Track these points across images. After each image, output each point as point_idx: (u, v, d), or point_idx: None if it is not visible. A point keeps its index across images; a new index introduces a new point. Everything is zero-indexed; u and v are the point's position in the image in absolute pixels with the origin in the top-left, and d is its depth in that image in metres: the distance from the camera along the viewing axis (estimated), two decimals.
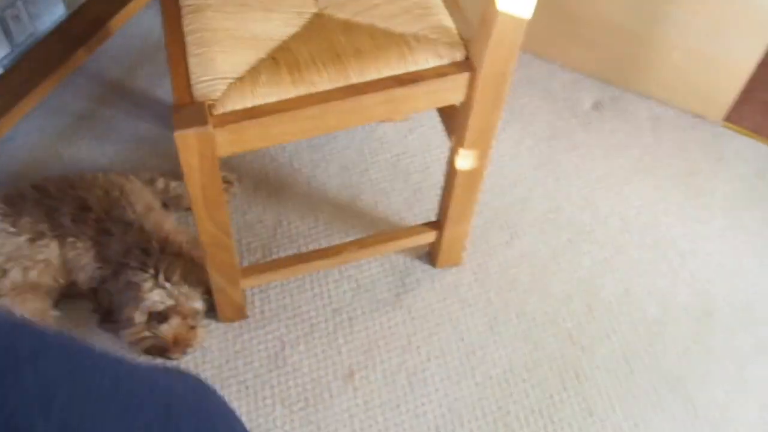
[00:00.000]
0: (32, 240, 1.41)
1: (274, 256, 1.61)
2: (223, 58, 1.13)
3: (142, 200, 1.49)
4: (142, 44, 1.95)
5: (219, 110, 1.10)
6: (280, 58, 1.14)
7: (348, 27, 1.18)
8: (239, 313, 1.51)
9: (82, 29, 1.79)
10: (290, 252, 1.62)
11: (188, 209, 1.62)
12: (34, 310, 1.38)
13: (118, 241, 1.44)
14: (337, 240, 1.64)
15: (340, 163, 1.77)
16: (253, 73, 1.12)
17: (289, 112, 1.12)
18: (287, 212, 1.68)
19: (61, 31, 1.79)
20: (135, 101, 1.85)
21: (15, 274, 1.38)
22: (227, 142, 1.12)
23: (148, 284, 1.39)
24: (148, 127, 1.80)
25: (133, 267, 1.41)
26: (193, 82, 1.12)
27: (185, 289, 1.41)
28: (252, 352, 1.48)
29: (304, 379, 1.45)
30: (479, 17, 1.11)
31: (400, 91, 1.14)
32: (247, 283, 1.45)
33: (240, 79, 1.11)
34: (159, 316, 1.40)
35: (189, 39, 1.17)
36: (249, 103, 1.11)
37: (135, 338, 1.42)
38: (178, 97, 1.12)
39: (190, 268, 1.43)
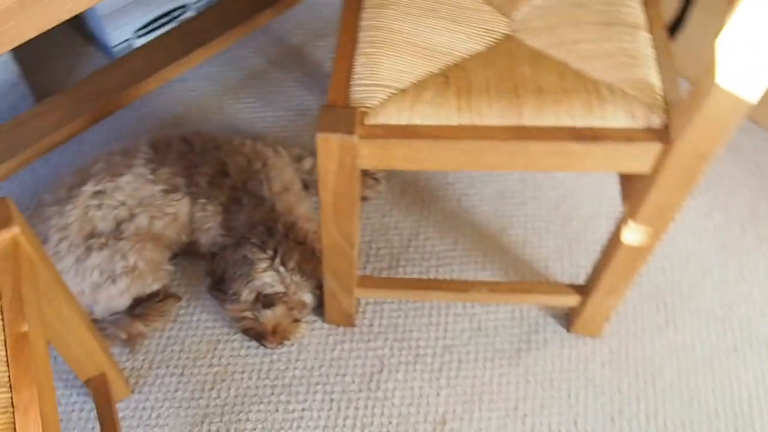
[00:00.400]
0: (166, 192, 1.39)
1: (400, 269, 1.50)
2: (391, 65, 1.01)
3: (281, 179, 1.43)
4: (331, 15, 1.88)
5: (370, 120, 1.00)
6: (452, 78, 1.01)
7: (537, 58, 1.02)
8: (347, 320, 1.42)
9: None
10: (418, 270, 1.50)
11: None
12: (150, 260, 1.36)
13: (247, 214, 1.39)
14: (471, 271, 1.50)
15: (497, 188, 1.62)
16: (419, 87, 1.00)
17: (445, 140, 0.99)
18: (428, 226, 1.56)
19: None
20: (309, 71, 1.79)
21: (141, 221, 1.37)
22: (371, 155, 1.01)
23: (262, 264, 1.33)
24: (313, 101, 1.74)
25: (253, 243, 1.35)
26: (352, 83, 1.02)
27: (298, 278, 1.34)
28: (348, 364, 1.39)
29: (393, 411, 1.34)
30: (691, 81, 0.91)
31: (575, 147, 0.97)
32: (361, 293, 1.35)
33: (402, 92, 1.00)
34: (265, 300, 1.35)
35: (362, 35, 1.06)
36: (405, 120, 1.00)
37: (236, 315, 1.37)
38: (332, 98, 1.03)
39: (309, 258, 1.36)
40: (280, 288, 1.33)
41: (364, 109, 1.00)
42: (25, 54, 1.65)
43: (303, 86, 1.76)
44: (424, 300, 1.45)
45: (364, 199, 1.58)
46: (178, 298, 1.45)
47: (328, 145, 0.99)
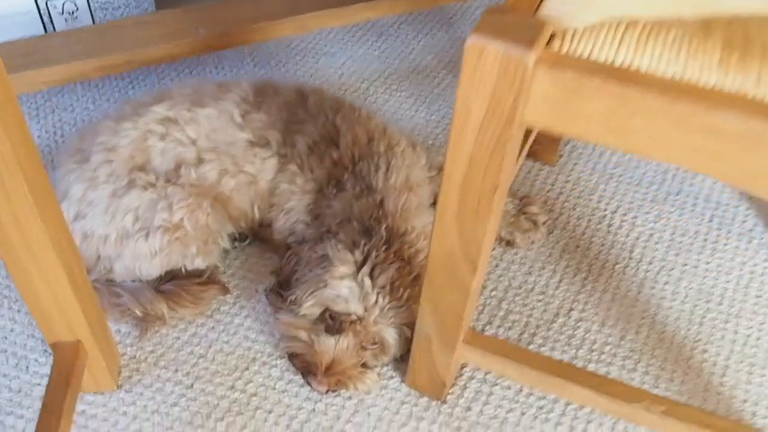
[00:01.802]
0: (252, 144, 1.03)
1: (533, 348, 1.03)
2: None
3: (406, 174, 1.03)
4: None
5: (561, 47, 0.58)
6: (716, 27, 0.58)
7: None
8: (435, 389, 0.97)
9: None
10: (558, 356, 1.02)
11: None
12: (202, 225, 1.00)
13: (344, 202, 1.00)
14: (635, 381, 1.00)
15: (700, 285, 1.12)
16: (657, 24, 0.58)
17: (686, 103, 0.54)
18: (588, 305, 1.09)
19: None
20: None
21: (209, 171, 1.02)
22: (547, 102, 0.59)
23: (343, 268, 0.92)
24: None
25: (340, 240, 0.95)
26: None
27: (386, 304, 0.92)
28: None
29: None
30: None
31: None
32: (467, 355, 0.90)
33: (627, 23, 0.58)
34: (332, 322, 0.94)
35: None
36: (622, 56, 0.57)
37: (287, 331, 0.97)
38: (511, 2, 0.63)
39: (408, 283, 0.93)
40: (357, 308, 0.92)
41: (556, 30, 0.59)
42: None
43: None
44: (558, 395, 0.97)
45: (509, 244, 1.15)
46: (225, 290, 1.06)
47: (483, 61, 0.58)
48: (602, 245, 1.16)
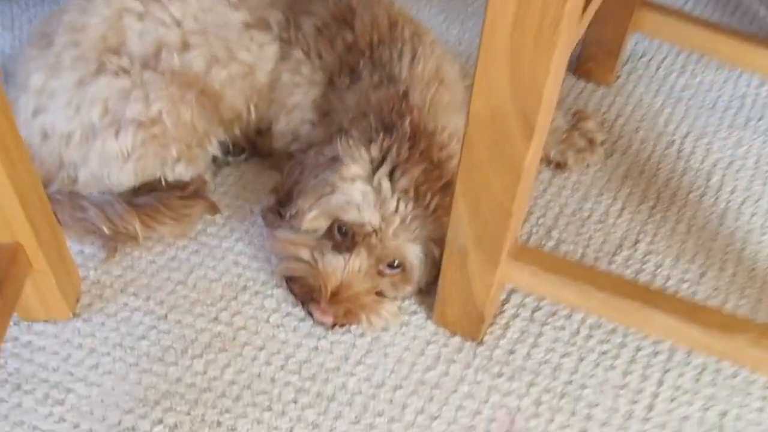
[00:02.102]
0: (248, 26, 0.85)
1: None
2: None
3: (435, 63, 0.83)
4: None
5: None
6: None
7: None
8: (470, 325, 0.76)
9: None
10: None
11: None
12: (186, 123, 0.82)
13: (359, 93, 0.81)
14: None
15: None
16: None
17: None
18: (658, 235, 0.88)
19: None
20: None
21: (195, 58, 0.83)
22: None
23: (355, 168, 0.73)
24: None
25: (352, 137, 0.76)
26: None
27: (409, 215, 0.72)
28: (450, 403, 0.73)
29: None
30: None
31: None
32: (511, 274, 0.70)
33: None
34: (342, 239, 0.74)
35: None
36: None
37: (285, 250, 0.78)
38: None
39: (439, 192, 0.74)
40: (372, 217, 0.72)
41: None
42: None
43: None
44: (632, 325, 0.77)
45: (559, 166, 0.95)
46: (214, 208, 0.88)
47: None
48: (672, 172, 0.96)
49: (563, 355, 0.76)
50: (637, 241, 0.87)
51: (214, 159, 0.90)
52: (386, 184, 0.73)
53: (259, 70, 0.85)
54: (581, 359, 0.76)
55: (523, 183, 0.60)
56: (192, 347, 0.76)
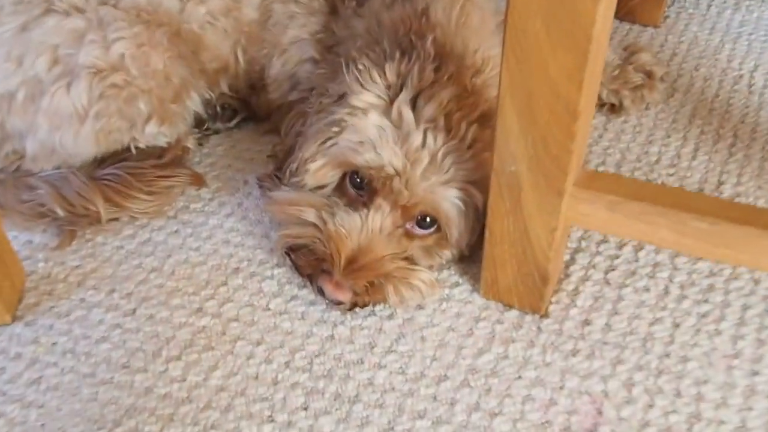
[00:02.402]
0: None
1: None
2: None
3: None
4: None
5: None
6: None
7: None
8: (529, 293, 0.59)
9: None
10: None
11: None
12: (156, 65, 0.66)
13: (369, 16, 0.66)
14: None
15: None
16: None
17: None
18: (741, 176, 0.72)
19: None
20: None
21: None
22: None
23: (368, 97, 0.57)
24: None
25: (363, 64, 0.60)
26: None
27: (441, 150, 0.56)
28: (512, 393, 0.55)
29: None
30: None
31: None
32: (579, 209, 0.53)
33: None
34: (357, 191, 0.59)
35: None
36: None
37: (284, 213, 0.61)
38: None
39: (477, 122, 0.57)
40: (393, 158, 0.56)
41: None
42: None
43: None
44: (746, 264, 0.60)
45: (613, 109, 0.79)
46: (199, 180, 0.71)
47: None
48: (747, 107, 0.80)
49: (652, 323, 0.59)
50: (720, 183, 0.70)
51: (199, 123, 0.75)
52: (408, 114, 0.56)
53: (246, 2, 0.69)
54: (676, 326, 0.59)
55: (593, 62, 0.44)
56: (167, 348, 0.58)
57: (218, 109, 0.75)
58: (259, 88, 0.74)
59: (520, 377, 0.56)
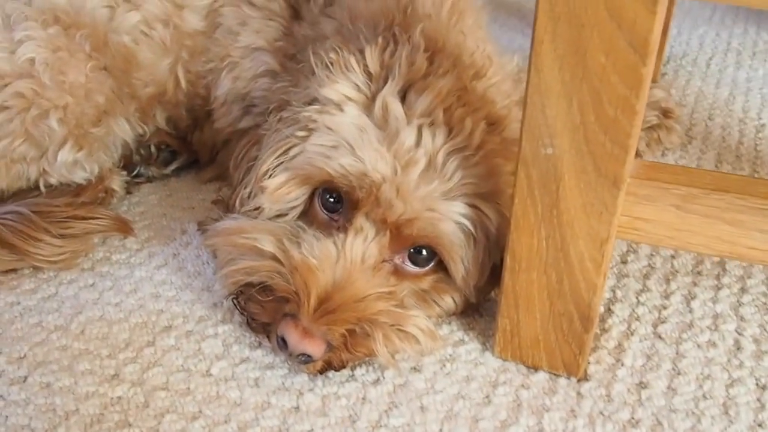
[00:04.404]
0: None
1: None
2: None
3: None
4: None
5: None
6: None
7: None
8: (563, 349, 0.44)
9: None
10: None
11: None
12: (75, 77, 0.52)
13: (342, 12, 0.54)
14: None
15: None
16: None
17: None
18: None
19: None
20: None
21: None
22: None
23: (343, 86, 0.45)
24: None
25: (335, 54, 0.47)
26: None
27: (442, 149, 0.43)
28: None
29: None
30: None
31: None
32: (634, 210, 0.39)
33: None
34: (330, 212, 0.45)
35: None
36: None
37: (232, 245, 0.46)
38: None
39: (483, 123, 0.44)
40: (379, 163, 0.42)
41: None
42: None
43: None
44: None
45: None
46: (125, 226, 0.55)
47: None
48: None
49: (730, 385, 0.44)
50: None
51: (128, 167, 0.60)
52: (396, 107, 0.43)
53: (189, 9, 0.57)
54: (762, 387, 0.44)
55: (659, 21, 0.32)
56: (65, 425, 0.41)
57: (152, 149, 0.61)
58: (203, 118, 0.60)
59: None
